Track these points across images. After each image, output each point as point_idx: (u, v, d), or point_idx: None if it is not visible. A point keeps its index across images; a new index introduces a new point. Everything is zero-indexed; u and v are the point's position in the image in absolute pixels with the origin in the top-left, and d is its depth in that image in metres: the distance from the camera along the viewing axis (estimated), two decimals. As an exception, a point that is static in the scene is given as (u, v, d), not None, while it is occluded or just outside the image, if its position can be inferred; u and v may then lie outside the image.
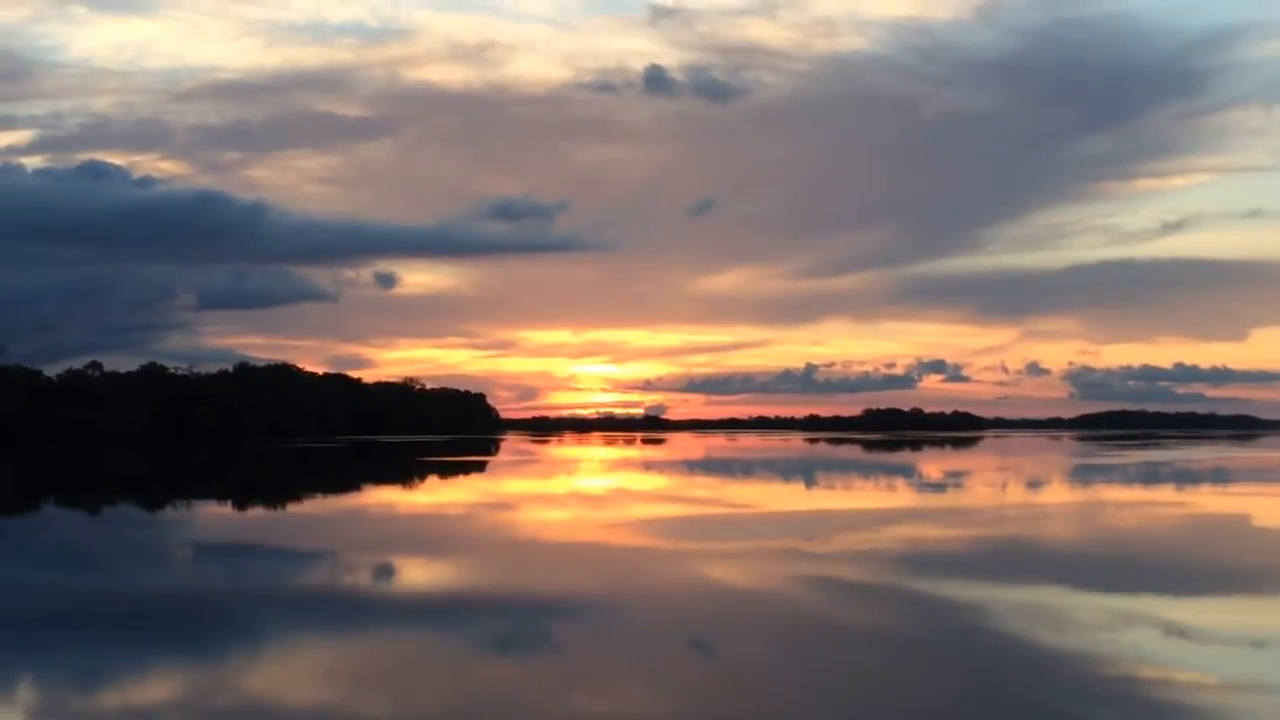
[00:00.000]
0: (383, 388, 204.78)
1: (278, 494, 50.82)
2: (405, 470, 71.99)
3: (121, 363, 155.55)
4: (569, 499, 46.95)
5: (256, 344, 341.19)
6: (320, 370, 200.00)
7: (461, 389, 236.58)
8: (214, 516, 39.19)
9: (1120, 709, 12.09)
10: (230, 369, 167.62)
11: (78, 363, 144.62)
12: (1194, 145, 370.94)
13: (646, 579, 21.88)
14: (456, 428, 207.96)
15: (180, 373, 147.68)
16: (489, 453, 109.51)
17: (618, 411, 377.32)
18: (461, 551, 27.20)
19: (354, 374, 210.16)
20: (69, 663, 14.37)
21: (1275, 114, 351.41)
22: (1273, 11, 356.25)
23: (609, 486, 56.80)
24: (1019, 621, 16.85)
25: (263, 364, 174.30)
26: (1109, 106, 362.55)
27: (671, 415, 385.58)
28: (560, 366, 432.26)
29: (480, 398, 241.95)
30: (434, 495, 49.85)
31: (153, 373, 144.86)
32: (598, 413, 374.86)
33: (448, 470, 71.79)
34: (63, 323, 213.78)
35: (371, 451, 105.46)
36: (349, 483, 59.22)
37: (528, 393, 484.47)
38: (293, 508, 43.64)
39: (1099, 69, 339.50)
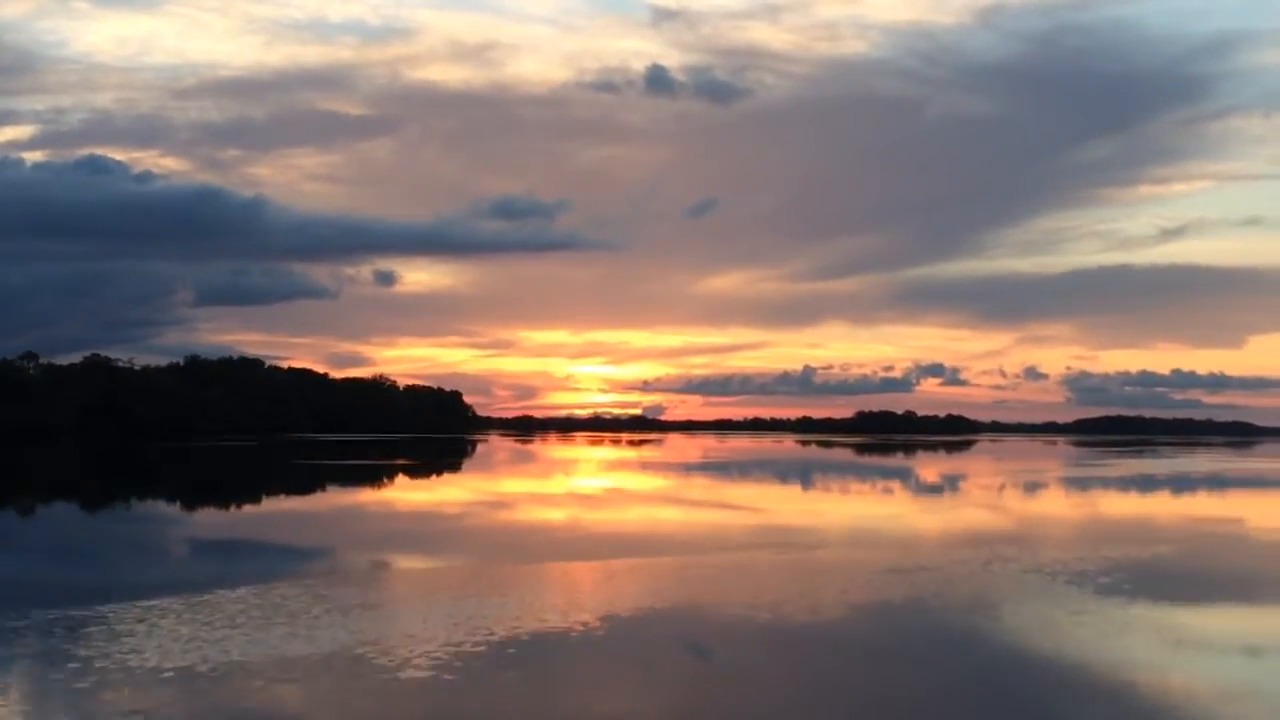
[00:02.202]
0: (350, 384, 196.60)
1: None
2: (267, 476, 64.11)
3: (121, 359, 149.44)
4: (410, 522, 39.25)
5: (255, 341, 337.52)
6: (323, 369, 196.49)
7: (435, 386, 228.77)
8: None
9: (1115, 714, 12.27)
10: (180, 362, 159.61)
11: (74, 358, 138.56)
12: (1195, 152, 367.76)
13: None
14: (430, 427, 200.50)
15: (121, 365, 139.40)
16: (435, 454, 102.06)
17: (615, 412, 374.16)
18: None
19: (356, 372, 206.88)
20: None
21: (1276, 122, 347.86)
22: (1274, 20, 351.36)
23: (523, 497, 48.97)
24: (995, 628, 17.16)
25: (215, 357, 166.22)
26: (1110, 112, 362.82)
27: (667, 416, 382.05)
28: (559, 366, 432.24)
29: (456, 396, 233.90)
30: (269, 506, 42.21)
31: (94, 365, 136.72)
32: (593, 413, 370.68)
33: (339, 476, 63.99)
34: (61, 318, 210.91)
35: (275, 452, 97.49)
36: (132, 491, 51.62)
37: (526, 392, 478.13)
38: None
39: (1101, 75, 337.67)
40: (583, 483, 58.03)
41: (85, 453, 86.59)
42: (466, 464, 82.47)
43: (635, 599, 19.11)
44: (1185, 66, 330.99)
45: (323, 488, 51.34)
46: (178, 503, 44.13)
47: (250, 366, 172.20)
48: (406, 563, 24.39)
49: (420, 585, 20.66)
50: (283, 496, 47.00)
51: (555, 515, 36.86)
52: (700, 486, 54.97)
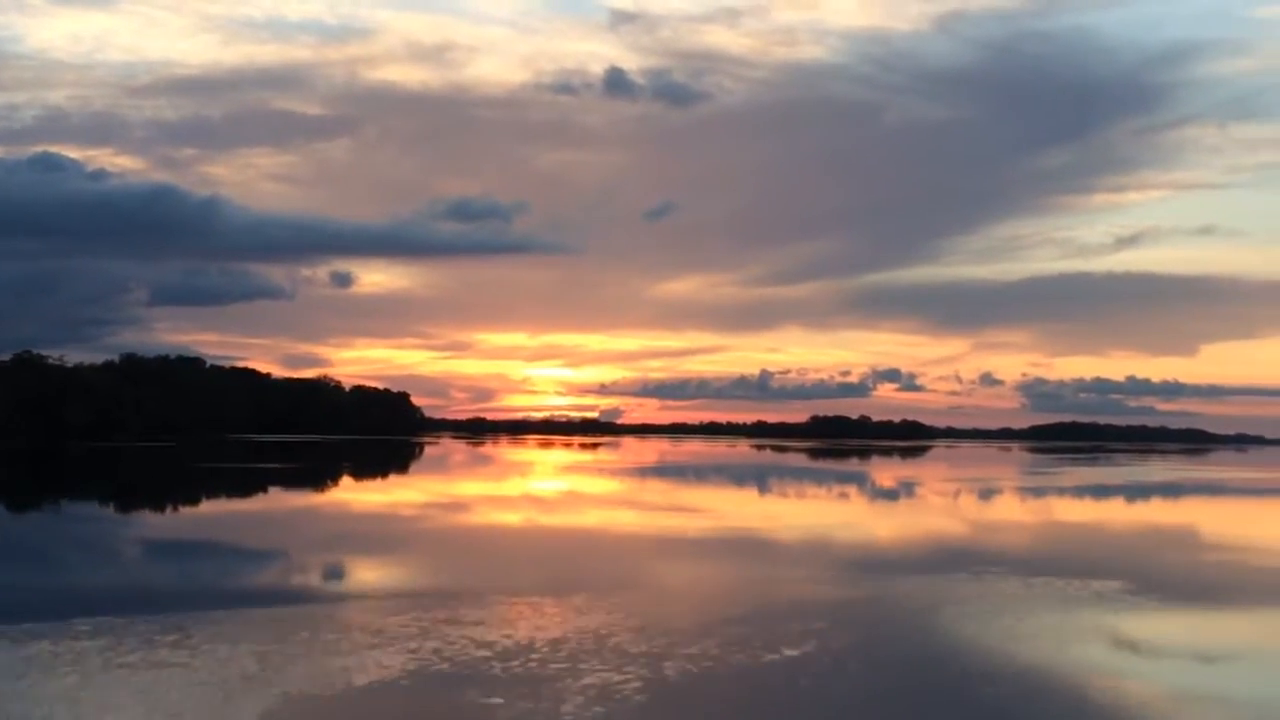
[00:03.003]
0: (293, 385, 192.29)
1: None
2: (148, 480, 60.96)
3: (73, 358, 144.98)
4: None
5: (211, 341, 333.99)
6: (277, 370, 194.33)
7: (382, 388, 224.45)
8: None
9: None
10: (116, 360, 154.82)
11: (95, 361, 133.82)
12: (1150, 161, 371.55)
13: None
14: (376, 428, 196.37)
15: (52, 363, 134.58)
16: (365, 456, 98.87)
17: (572, 415, 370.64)
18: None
19: (311, 373, 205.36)
20: None
21: (1231, 132, 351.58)
22: (1231, 30, 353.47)
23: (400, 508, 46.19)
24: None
25: (152, 355, 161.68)
26: (1067, 120, 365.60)
27: (623, 420, 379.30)
28: (515, 369, 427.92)
29: (404, 397, 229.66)
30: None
31: (23, 362, 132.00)
32: (549, 416, 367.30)
33: (231, 482, 60.97)
34: (12, 316, 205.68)
35: (191, 453, 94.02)
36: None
37: (483, 394, 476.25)
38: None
39: (1058, 82, 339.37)
40: (515, 491, 55.15)
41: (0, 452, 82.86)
42: (394, 467, 79.44)
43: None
44: (1142, 75, 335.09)
45: (198, 494, 48.24)
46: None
47: (189, 366, 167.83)
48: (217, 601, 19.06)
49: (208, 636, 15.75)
50: (144, 503, 43.92)
51: (466, 529, 34.08)
52: (647, 491, 52.35)
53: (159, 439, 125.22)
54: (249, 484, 54.49)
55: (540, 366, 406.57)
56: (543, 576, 22.61)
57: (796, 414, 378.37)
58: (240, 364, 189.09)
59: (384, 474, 70.28)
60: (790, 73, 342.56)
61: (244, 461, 78.95)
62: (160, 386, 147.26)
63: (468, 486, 56.54)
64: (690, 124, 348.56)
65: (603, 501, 46.80)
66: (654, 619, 17.56)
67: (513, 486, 57.70)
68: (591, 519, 37.61)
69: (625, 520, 36.98)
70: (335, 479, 61.40)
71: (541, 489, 55.66)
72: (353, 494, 50.95)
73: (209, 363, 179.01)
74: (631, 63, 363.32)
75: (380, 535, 31.80)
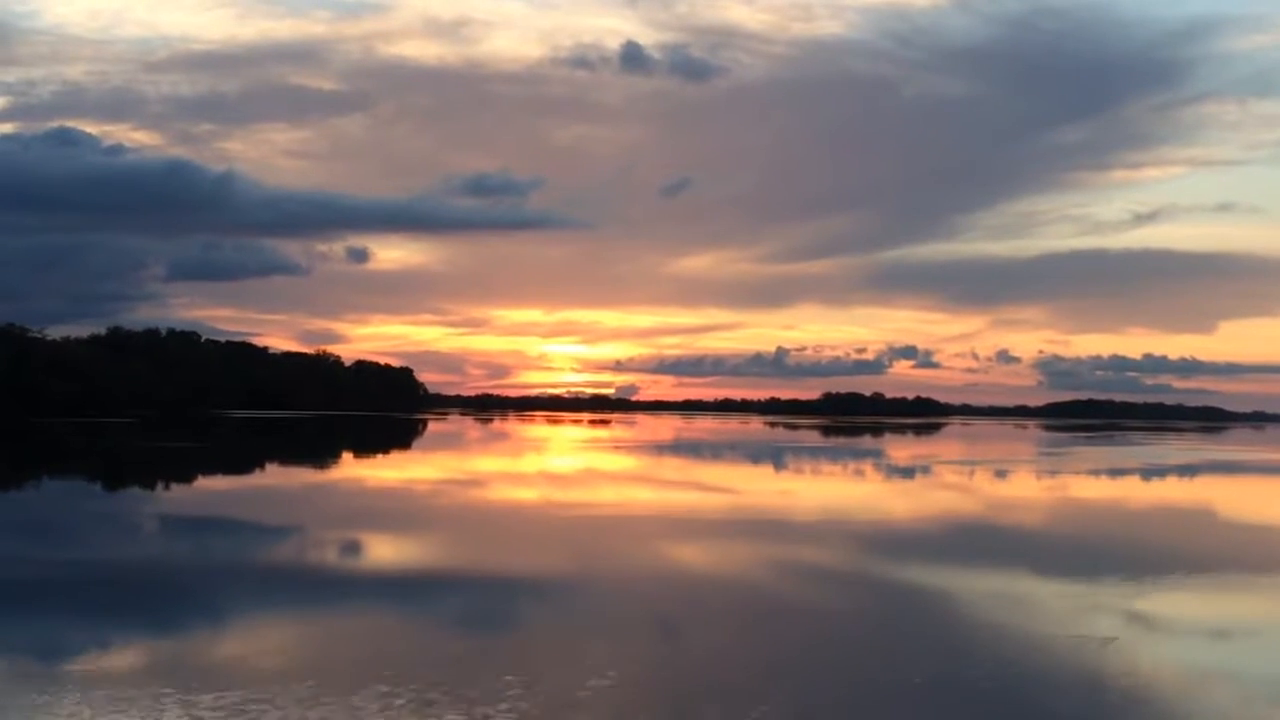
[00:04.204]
0: (289, 359, 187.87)
1: None
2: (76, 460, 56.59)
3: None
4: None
5: (226, 316, 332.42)
6: (292, 346, 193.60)
7: (383, 363, 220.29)
8: None
9: (1083, 696, 12.01)
10: (102, 332, 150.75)
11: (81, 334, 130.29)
12: (1168, 137, 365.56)
13: None
14: (377, 405, 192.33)
15: (33, 335, 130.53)
16: (349, 435, 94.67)
17: (589, 391, 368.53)
18: None
19: (328, 349, 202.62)
20: None
21: (1250, 107, 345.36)
22: (1250, 5, 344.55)
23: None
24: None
25: (140, 329, 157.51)
26: (1085, 96, 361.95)
27: (639, 397, 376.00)
28: (531, 345, 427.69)
29: (407, 373, 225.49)
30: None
31: (4, 335, 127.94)
32: (565, 392, 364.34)
33: (171, 465, 56.65)
34: (30, 292, 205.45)
35: (150, 432, 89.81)
36: None
37: (498, 371, 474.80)
38: None
39: (1076, 58, 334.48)
40: (494, 479, 50.55)
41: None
42: (374, 448, 74.89)
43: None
44: (1160, 51, 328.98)
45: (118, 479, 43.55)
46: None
47: (181, 340, 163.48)
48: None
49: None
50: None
51: (419, 545, 29.49)
52: (641, 471, 47.73)
53: (142, 415, 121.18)
54: (145, 465, 50.12)
55: (556, 343, 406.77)
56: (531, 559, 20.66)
57: (812, 391, 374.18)
58: (255, 339, 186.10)
59: (332, 456, 65.83)
60: (807, 48, 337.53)
61: (199, 439, 74.70)
62: (147, 361, 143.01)
63: (430, 469, 52.00)
64: (707, 99, 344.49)
65: (583, 481, 42.09)
66: (648, 607, 16.95)
67: (499, 467, 53.11)
68: (578, 499, 33.26)
69: (610, 500, 32.58)
70: (342, 454, 57.18)
71: (527, 470, 50.99)
72: (375, 476, 46.52)
73: (204, 337, 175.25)
74: (648, 38, 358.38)
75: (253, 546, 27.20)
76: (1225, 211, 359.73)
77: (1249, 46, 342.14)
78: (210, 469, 48.31)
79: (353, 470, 51.06)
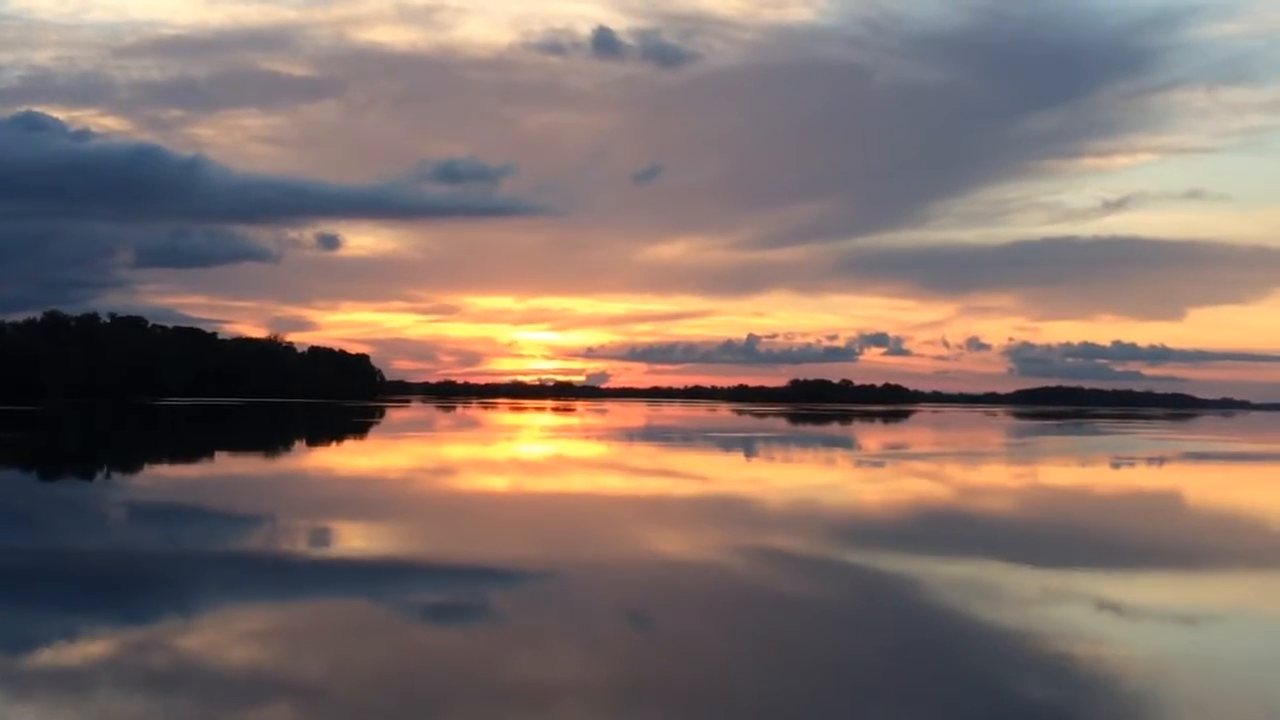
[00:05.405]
0: (239, 345, 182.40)
1: None
2: None
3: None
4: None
5: (197, 303, 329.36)
6: (259, 333, 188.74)
7: (338, 349, 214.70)
8: None
9: (1052, 681, 11.92)
10: (38, 317, 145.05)
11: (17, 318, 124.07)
12: (1138, 125, 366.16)
13: None
14: (332, 392, 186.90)
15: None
16: (275, 425, 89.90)
17: (558, 378, 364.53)
18: None
19: (294, 336, 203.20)
20: None
21: (1219, 95, 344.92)
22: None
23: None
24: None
25: (79, 314, 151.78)
26: (1055, 84, 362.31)
27: (608, 384, 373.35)
28: (503, 332, 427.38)
29: (363, 359, 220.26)
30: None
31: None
32: (539, 379, 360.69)
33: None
34: None
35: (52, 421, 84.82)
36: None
37: (469, 358, 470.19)
38: None
39: (1047, 46, 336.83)
40: (434, 470, 46.02)
41: None
42: (289, 437, 70.16)
43: None
44: (1130, 39, 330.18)
45: None
46: None
47: (125, 325, 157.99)
48: None
49: None
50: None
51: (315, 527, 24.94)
52: (563, 464, 43.33)
53: (78, 402, 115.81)
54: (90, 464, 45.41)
55: (527, 330, 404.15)
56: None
57: (781, 378, 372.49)
58: (225, 327, 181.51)
59: (290, 452, 61.10)
60: (780, 34, 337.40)
61: (118, 431, 69.83)
62: (84, 346, 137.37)
63: (355, 458, 47.46)
64: (679, 85, 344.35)
65: (506, 470, 37.66)
66: (614, 594, 16.24)
67: (436, 456, 48.61)
68: (513, 489, 28.89)
69: (549, 489, 28.16)
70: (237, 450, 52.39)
71: (460, 459, 46.49)
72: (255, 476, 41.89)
73: (151, 322, 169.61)
74: (620, 23, 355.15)
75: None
76: (1195, 199, 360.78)
77: (1219, 34, 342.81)
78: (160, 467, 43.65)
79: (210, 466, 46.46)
